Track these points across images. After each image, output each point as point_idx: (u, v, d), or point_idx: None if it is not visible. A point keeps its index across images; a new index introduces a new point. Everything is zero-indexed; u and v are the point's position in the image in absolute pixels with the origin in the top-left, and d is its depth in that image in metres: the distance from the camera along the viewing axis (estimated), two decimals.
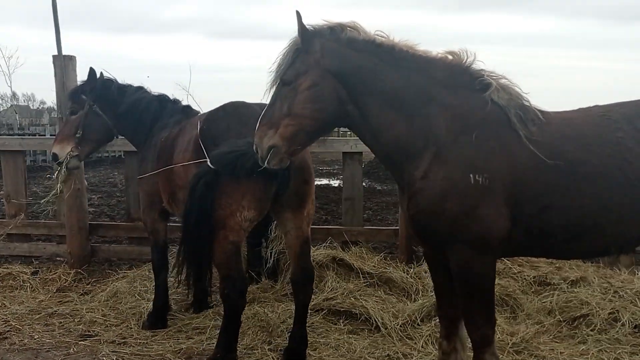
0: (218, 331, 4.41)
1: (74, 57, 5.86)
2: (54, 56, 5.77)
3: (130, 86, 4.91)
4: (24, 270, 5.86)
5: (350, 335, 4.33)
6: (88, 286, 5.62)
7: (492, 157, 2.79)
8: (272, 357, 3.95)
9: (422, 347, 4.10)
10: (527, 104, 2.91)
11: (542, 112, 2.92)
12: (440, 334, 3.32)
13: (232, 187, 3.51)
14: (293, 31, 2.90)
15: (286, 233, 3.88)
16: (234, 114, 3.83)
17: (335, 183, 15.03)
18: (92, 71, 4.83)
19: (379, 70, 2.88)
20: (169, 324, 4.61)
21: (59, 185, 4.85)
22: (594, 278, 4.89)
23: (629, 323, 4.27)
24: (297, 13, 2.84)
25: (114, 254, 6.33)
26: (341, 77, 2.87)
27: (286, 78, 2.89)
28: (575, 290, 4.74)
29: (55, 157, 4.75)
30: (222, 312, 4.69)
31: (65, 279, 5.72)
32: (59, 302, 5.18)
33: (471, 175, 2.76)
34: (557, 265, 5.19)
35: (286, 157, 2.96)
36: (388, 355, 3.98)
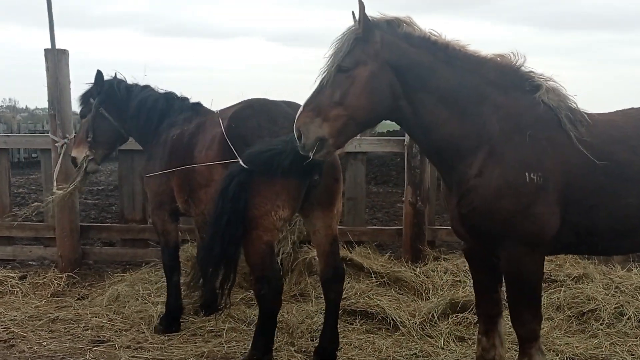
0: (235, 334, 4.35)
1: (67, 50, 5.65)
2: (46, 50, 5.53)
3: (137, 85, 4.84)
4: (11, 274, 5.57)
5: (370, 335, 4.33)
6: (83, 290, 5.39)
7: (545, 156, 2.85)
8: (300, 358, 3.90)
9: (444, 344, 4.15)
10: (574, 105, 3.00)
11: (587, 114, 3.02)
12: (479, 330, 3.37)
13: (267, 187, 3.45)
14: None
15: (314, 232, 3.83)
16: (262, 112, 3.77)
17: None
18: (99, 73, 4.78)
19: (435, 67, 2.90)
20: (182, 328, 4.48)
21: (71, 187, 4.75)
22: (596, 274, 5.08)
23: (634, 317, 4.45)
24: (360, 1, 2.80)
25: (107, 256, 6.08)
26: (399, 71, 2.87)
27: (344, 65, 2.83)
28: (579, 286, 4.88)
29: (74, 160, 4.81)
30: (234, 315, 4.67)
31: (58, 284, 5.46)
32: (56, 307, 4.94)
33: (526, 174, 2.82)
34: (558, 262, 5.35)
35: (333, 150, 2.95)
36: (415, 354, 4.01)
